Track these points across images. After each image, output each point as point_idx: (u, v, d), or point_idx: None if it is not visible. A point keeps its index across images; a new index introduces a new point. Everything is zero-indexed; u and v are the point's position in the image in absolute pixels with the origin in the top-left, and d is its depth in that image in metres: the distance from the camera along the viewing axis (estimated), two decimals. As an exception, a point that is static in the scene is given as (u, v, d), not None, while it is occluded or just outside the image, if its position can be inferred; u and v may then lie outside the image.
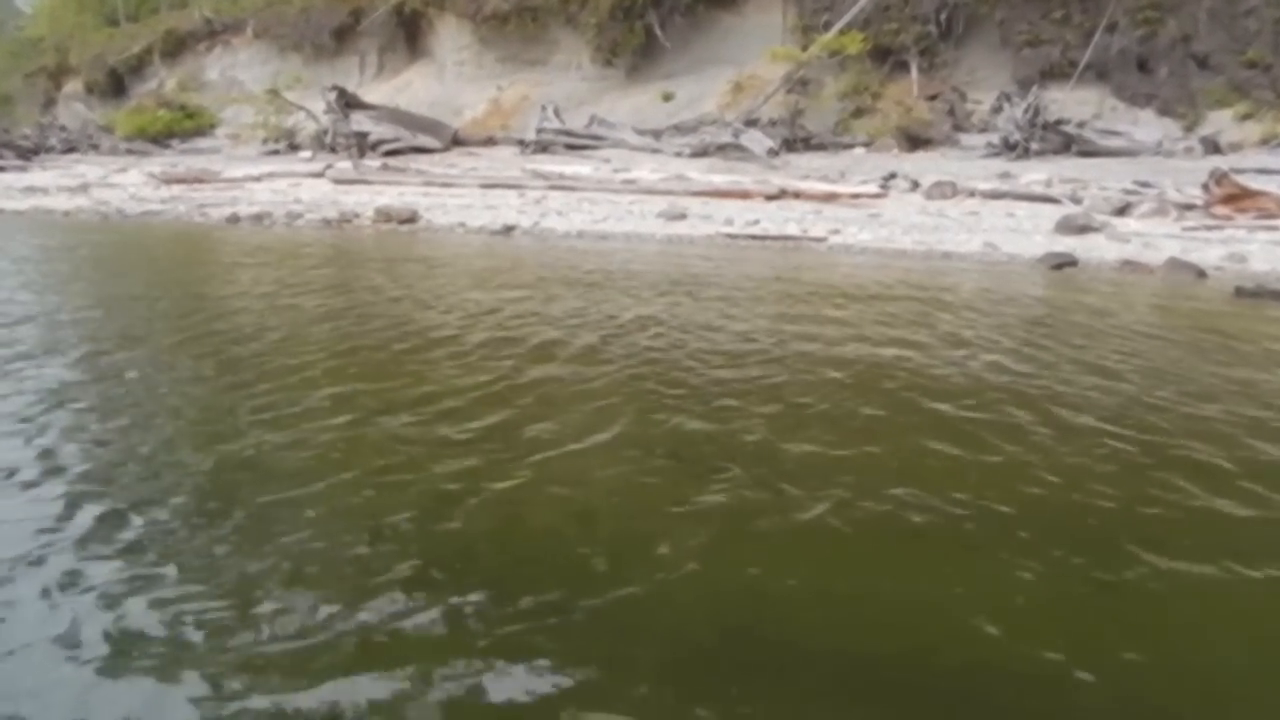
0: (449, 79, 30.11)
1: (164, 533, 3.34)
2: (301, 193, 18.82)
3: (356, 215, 15.76)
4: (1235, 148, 18.06)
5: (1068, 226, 12.61)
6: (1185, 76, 19.82)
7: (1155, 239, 12.08)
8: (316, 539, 3.31)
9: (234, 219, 15.94)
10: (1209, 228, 12.48)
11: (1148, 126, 19.31)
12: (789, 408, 5.00)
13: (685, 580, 3.11)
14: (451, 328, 6.94)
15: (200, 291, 9.07)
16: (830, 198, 15.79)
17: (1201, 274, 10.46)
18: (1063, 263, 11.07)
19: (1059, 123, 19.36)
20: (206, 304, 8.16)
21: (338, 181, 19.94)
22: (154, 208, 17.59)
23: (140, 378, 5.49)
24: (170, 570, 3.04)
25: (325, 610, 2.80)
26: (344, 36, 32.31)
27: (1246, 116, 18.81)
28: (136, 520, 3.43)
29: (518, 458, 4.18)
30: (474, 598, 2.91)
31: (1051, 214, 13.73)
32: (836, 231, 13.30)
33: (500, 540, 3.40)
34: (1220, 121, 19.17)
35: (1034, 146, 18.73)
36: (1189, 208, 13.55)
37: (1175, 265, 10.65)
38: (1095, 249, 11.68)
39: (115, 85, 37.93)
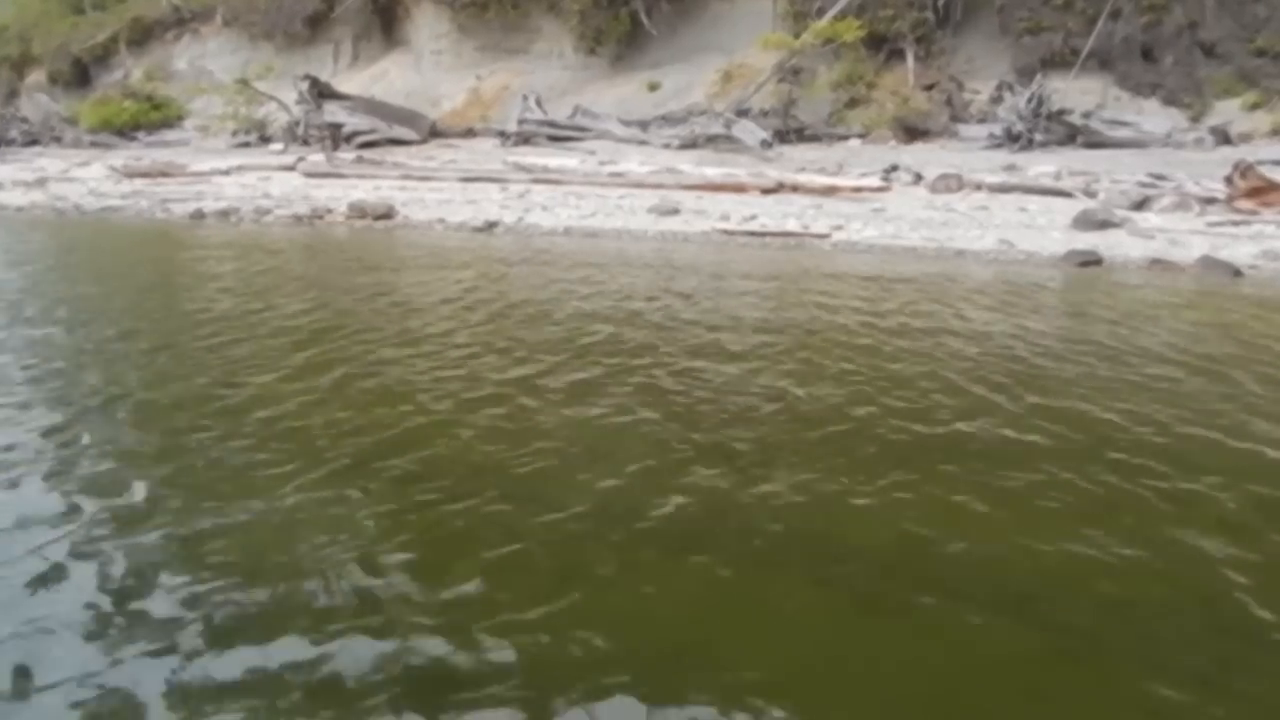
0: (426, 68, 29.08)
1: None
2: (271, 187, 17.89)
3: (329, 211, 14.92)
4: (1245, 138, 17.42)
5: (1087, 222, 11.88)
6: (1191, 65, 19.13)
7: (1180, 235, 11.40)
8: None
9: (198, 215, 15.05)
10: (1236, 223, 11.79)
11: (1153, 117, 18.61)
12: (818, 467, 4.21)
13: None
14: (439, 364, 6.11)
15: (140, 309, 8.19)
16: (830, 191, 15.00)
17: (1237, 273, 9.80)
18: (1087, 261, 10.37)
19: (1061, 113, 18.63)
20: (139, 334, 7.30)
21: (310, 175, 18.99)
22: (114, 203, 16.61)
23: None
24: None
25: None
26: (317, 24, 31.12)
27: (1255, 106, 18.16)
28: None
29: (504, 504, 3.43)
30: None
31: (1065, 208, 13.03)
32: (840, 227, 12.58)
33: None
34: (1227, 111, 18.51)
35: (1038, 138, 18.00)
36: (1210, 201, 12.86)
37: (1209, 264, 9.97)
38: (1119, 246, 10.98)
39: (80, 76, 36.49)
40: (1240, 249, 10.63)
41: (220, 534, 3.36)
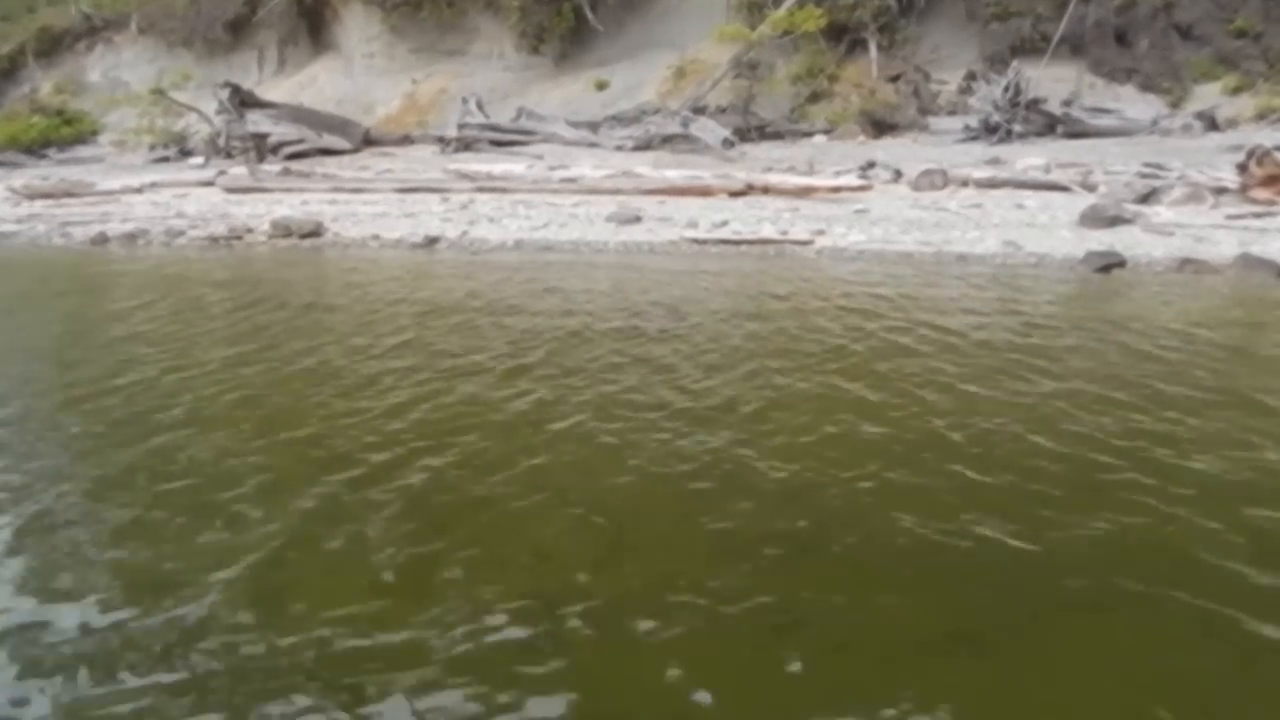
0: (358, 73, 27.44)
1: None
2: (187, 205, 16.18)
3: (249, 230, 13.35)
4: (1230, 123, 16.56)
5: (1096, 219, 10.77)
6: (1168, 49, 18.29)
7: (1201, 230, 10.35)
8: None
9: (101, 239, 13.40)
10: (1258, 215, 10.73)
11: (1136, 104, 17.71)
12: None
13: None
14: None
15: None
16: (806, 192, 13.74)
17: (1281, 273, 8.68)
18: (1110, 264, 9.21)
19: (1037, 102, 17.63)
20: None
21: (231, 190, 17.29)
22: (7, 229, 14.80)
23: None
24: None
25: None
26: (239, 29, 29.26)
27: (1238, 90, 17.34)
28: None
29: None
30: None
31: (1065, 204, 11.96)
32: (822, 232, 11.37)
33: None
34: (1208, 96, 17.69)
35: (1017, 129, 16.98)
36: (1220, 191, 11.82)
37: (1250, 263, 8.88)
38: (1138, 245, 9.87)
39: (-16, 90, 34.19)
40: (1272, 244, 9.59)
41: None
